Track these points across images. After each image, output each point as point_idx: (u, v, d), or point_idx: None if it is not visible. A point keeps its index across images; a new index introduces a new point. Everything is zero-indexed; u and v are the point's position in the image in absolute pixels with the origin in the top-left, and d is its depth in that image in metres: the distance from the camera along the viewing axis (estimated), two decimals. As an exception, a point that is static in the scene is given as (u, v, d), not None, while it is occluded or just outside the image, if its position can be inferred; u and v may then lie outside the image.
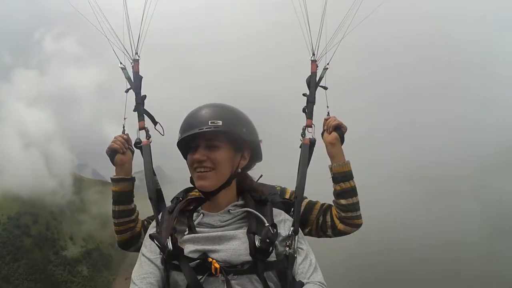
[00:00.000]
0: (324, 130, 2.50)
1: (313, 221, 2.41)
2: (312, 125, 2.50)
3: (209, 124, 1.87)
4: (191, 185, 2.10)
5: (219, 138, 1.91)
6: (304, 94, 2.58)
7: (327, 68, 2.61)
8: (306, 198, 2.49)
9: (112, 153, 2.39)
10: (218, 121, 1.88)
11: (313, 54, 2.61)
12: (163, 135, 2.50)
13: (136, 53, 2.54)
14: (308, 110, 2.53)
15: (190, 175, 2.03)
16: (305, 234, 2.39)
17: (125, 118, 2.50)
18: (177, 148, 2.08)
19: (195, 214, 1.96)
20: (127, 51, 2.51)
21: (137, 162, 2.48)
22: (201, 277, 1.74)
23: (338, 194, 2.33)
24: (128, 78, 2.54)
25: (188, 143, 1.96)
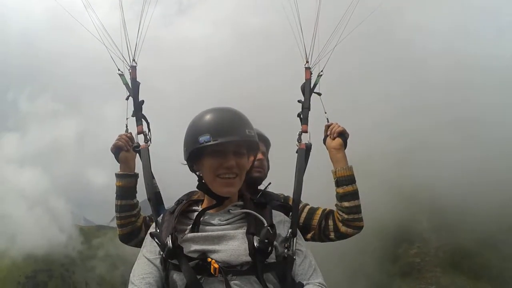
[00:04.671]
0: (326, 136, 2.55)
1: (316, 226, 2.44)
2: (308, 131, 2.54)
3: (247, 133, 1.87)
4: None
5: (244, 146, 1.93)
6: (299, 101, 2.64)
7: (321, 75, 2.67)
8: (308, 204, 2.54)
9: (116, 150, 2.47)
10: (252, 131, 1.90)
11: (307, 62, 2.66)
12: (150, 144, 2.54)
13: (134, 60, 2.61)
14: (303, 116, 2.58)
15: (198, 179, 1.99)
16: (308, 240, 2.43)
17: (127, 118, 2.58)
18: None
19: (195, 214, 1.95)
20: (124, 58, 2.57)
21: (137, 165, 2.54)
22: (200, 277, 1.74)
23: (341, 197, 2.37)
24: (126, 84, 2.61)
25: (210, 146, 1.85)
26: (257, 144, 2.00)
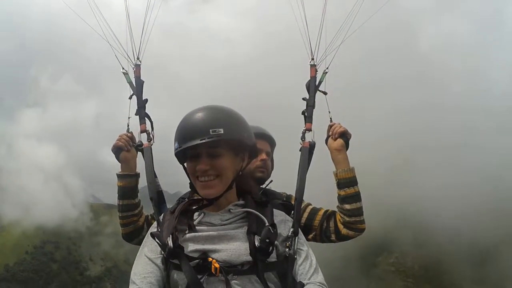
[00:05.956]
0: (328, 136, 2.52)
1: (317, 227, 2.43)
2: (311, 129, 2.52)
3: (211, 133, 1.82)
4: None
5: (221, 145, 1.88)
6: (303, 99, 2.60)
7: (327, 72, 2.63)
8: (310, 204, 2.53)
9: (117, 150, 2.47)
10: (220, 129, 1.83)
11: (312, 59, 2.63)
12: (153, 143, 2.55)
13: (138, 58, 2.59)
14: (308, 114, 2.55)
15: (190, 181, 2.01)
16: (309, 240, 2.42)
17: (129, 117, 2.58)
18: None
19: (196, 213, 1.96)
20: (129, 57, 2.56)
21: (139, 165, 2.55)
22: (201, 276, 1.75)
23: (342, 199, 2.36)
24: (130, 83, 2.61)
25: (186, 151, 1.90)
26: (237, 141, 1.91)
